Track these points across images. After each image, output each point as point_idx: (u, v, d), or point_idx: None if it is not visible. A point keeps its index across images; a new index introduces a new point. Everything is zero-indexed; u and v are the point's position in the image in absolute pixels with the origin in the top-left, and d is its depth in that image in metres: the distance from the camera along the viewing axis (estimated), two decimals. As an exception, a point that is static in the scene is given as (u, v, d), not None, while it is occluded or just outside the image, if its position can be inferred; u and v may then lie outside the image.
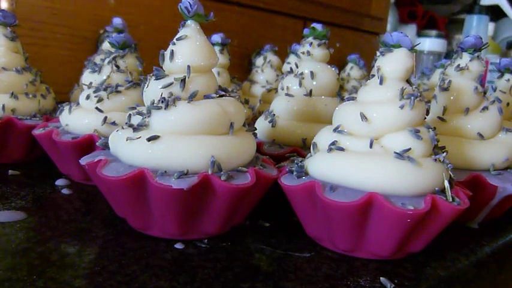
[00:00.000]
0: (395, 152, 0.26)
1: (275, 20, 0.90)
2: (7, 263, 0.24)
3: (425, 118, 0.29)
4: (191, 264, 0.26)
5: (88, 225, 0.30)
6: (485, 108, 0.35)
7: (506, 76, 0.41)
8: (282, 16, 0.91)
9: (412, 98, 0.27)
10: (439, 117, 0.35)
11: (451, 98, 0.35)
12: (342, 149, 0.28)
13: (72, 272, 0.23)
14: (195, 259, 0.26)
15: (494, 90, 0.41)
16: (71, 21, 0.65)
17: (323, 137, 0.29)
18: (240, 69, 0.83)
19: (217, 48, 0.49)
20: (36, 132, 0.38)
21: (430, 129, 0.28)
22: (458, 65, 0.35)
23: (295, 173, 0.29)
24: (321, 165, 0.28)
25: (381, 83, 0.28)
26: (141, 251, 0.26)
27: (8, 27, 0.45)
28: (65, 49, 0.66)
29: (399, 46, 0.28)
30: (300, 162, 0.30)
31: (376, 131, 0.27)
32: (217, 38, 0.50)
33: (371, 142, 0.27)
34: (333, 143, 0.28)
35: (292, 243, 0.29)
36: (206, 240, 0.29)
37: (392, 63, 0.28)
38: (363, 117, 0.27)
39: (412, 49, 0.28)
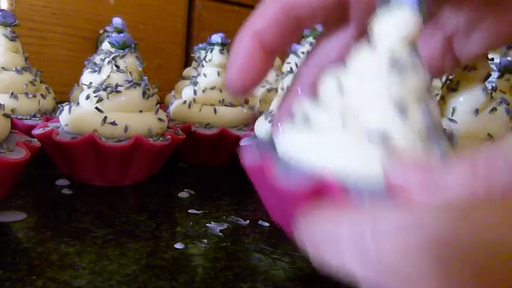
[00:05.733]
0: (369, 132, 0.20)
1: (275, 20, 0.90)
2: (7, 263, 0.24)
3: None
4: (191, 264, 0.26)
5: (88, 225, 0.30)
6: (494, 109, 0.34)
7: (506, 76, 0.41)
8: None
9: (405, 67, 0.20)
10: (449, 119, 0.35)
11: (460, 98, 0.35)
12: (309, 122, 0.22)
13: (72, 272, 0.23)
14: (195, 259, 0.26)
15: (495, 90, 0.41)
16: (71, 21, 0.65)
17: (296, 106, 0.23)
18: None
19: (217, 48, 0.49)
20: (36, 132, 0.38)
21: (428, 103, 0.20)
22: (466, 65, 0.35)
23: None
24: (286, 140, 0.23)
25: (371, 49, 0.21)
26: (141, 251, 0.26)
27: (8, 27, 0.45)
28: (64, 49, 0.66)
29: (400, 5, 0.20)
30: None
31: (353, 106, 0.21)
32: (217, 38, 0.50)
33: (344, 118, 0.21)
34: (303, 115, 0.22)
35: (292, 243, 0.29)
36: (206, 240, 0.29)
37: (388, 26, 0.21)
38: (341, 87, 0.21)
39: (419, 10, 0.20)
